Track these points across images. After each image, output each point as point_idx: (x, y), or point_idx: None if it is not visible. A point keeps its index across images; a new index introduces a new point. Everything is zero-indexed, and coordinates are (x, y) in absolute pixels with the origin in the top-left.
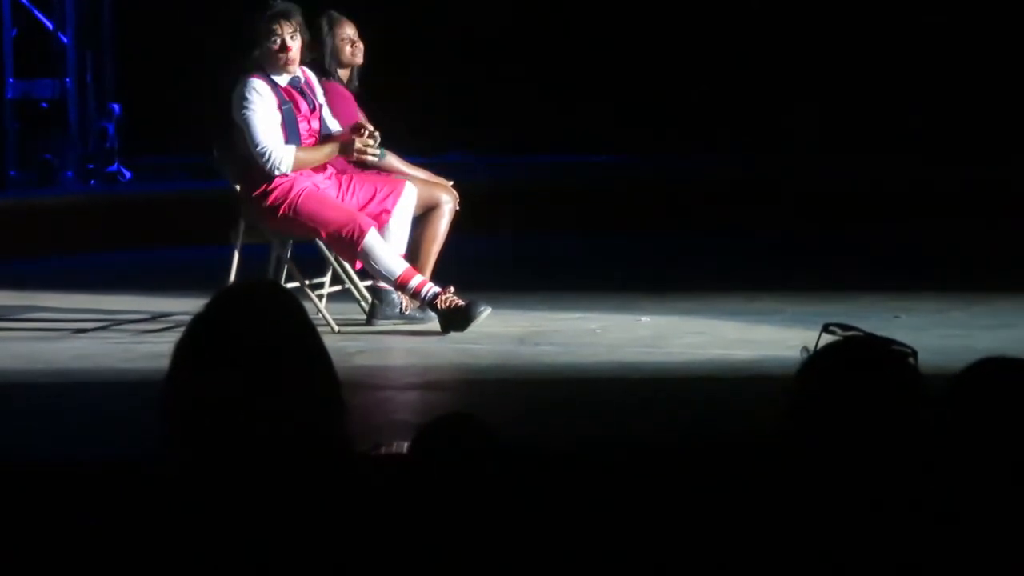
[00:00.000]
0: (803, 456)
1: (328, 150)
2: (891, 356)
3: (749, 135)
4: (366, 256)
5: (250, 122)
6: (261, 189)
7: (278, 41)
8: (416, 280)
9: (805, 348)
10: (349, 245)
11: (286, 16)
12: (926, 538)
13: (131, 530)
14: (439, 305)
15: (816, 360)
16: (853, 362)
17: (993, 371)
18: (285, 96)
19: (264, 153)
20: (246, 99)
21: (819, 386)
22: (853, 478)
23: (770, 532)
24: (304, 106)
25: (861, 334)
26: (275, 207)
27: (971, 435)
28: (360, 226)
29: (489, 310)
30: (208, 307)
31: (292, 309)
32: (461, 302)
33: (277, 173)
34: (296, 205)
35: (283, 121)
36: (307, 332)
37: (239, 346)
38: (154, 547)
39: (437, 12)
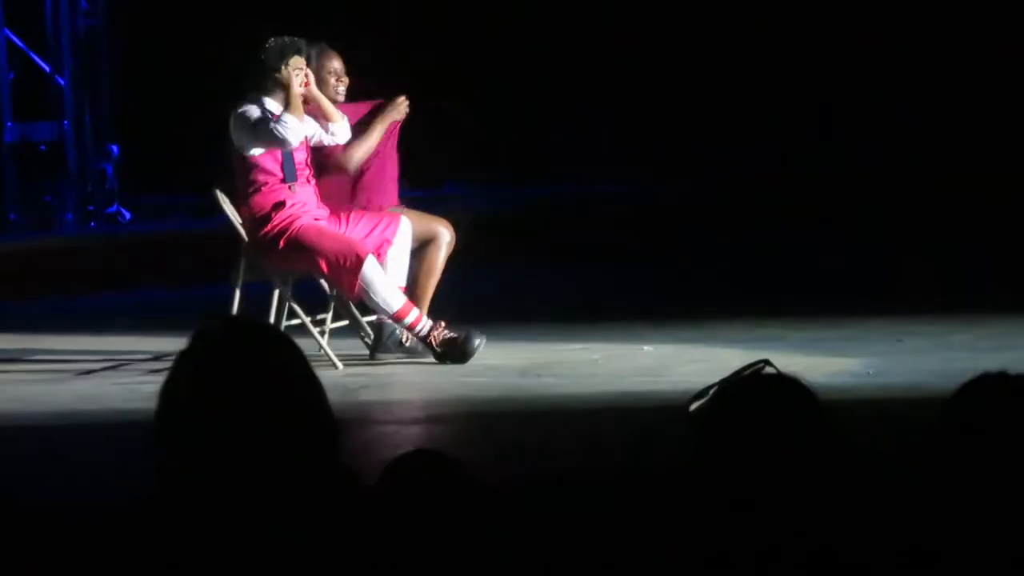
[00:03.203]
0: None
1: (378, 129)
2: (786, 391)
3: (749, 160)
4: (365, 286)
5: (250, 121)
6: (261, 222)
7: (300, 75)
8: (412, 316)
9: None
10: (349, 273)
11: (303, 52)
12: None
13: (129, 572)
14: (432, 342)
15: (718, 402)
16: (749, 403)
17: (990, 386)
18: None
19: (274, 127)
20: (245, 114)
21: (723, 433)
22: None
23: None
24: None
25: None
26: (276, 239)
27: (970, 450)
28: (358, 253)
29: (484, 340)
30: (189, 346)
31: (273, 339)
32: (455, 335)
33: (282, 130)
34: (295, 236)
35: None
36: (293, 360)
37: (224, 381)
38: None
39: (434, 44)
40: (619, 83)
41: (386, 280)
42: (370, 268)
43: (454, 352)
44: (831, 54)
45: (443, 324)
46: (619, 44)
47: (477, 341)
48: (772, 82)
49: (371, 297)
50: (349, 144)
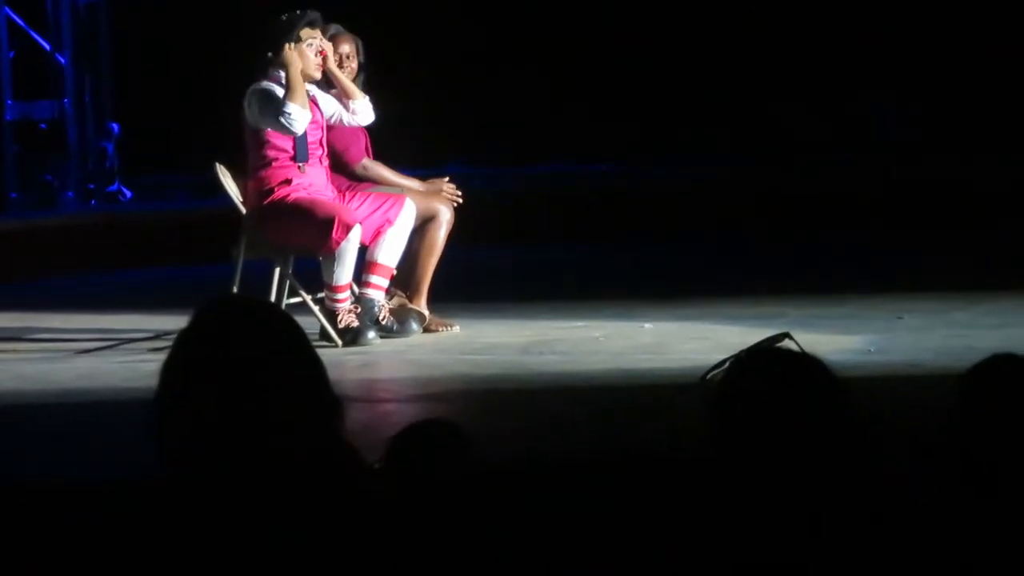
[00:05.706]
0: (733, 468)
1: (407, 185)
2: (801, 365)
3: (747, 139)
4: (338, 251)
5: (263, 101)
6: (263, 195)
7: (314, 45)
8: (345, 295)
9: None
10: (335, 234)
11: (317, 24)
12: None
13: (134, 549)
14: (339, 323)
15: (731, 377)
16: (766, 377)
17: (1002, 367)
18: None
19: (280, 119)
20: (261, 91)
21: (738, 404)
22: (785, 487)
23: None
24: (317, 113)
25: (771, 344)
26: (273, 210)
27: (983, 430)
28: (347, 221)
29: (378, 340)
30: (190, 325)
31: (273, 317)
32: (355, 323)
33: (287, 122)
34: (291, 206)
35: None
36: (293, 338)
37: (221, 359)
38: (157, 566)
39: (433, 24)
40: (622, 63)
41: (353, 258)
42: (353, 237)
43: (347, 335)
44: (815, 35)
45: (358, 309)
46: (621, 28)
47: (371, 335)
48: (766, 66)
49: (331, 262)
50: (373, 171)
